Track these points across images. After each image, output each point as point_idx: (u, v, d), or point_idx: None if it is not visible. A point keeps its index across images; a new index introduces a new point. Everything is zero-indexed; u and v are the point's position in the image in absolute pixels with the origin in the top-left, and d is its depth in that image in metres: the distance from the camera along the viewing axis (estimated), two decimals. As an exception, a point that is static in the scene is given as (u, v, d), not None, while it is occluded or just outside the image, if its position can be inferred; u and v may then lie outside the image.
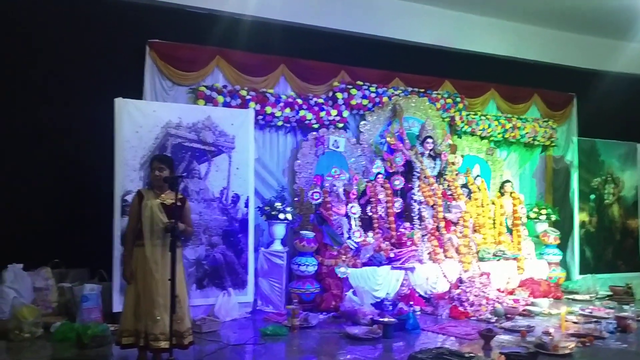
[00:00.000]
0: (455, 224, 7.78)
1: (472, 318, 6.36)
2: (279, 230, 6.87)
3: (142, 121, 6.04)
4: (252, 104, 7.02)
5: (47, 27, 6.35)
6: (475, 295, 6.63)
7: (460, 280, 7.00)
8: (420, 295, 6.95)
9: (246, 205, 6.56)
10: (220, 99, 6.90)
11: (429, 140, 7.89)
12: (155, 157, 4.49)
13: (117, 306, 5.58)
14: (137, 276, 4.14)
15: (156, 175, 4.27)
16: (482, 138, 8.84)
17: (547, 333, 5.34)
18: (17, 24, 6.26)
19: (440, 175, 8.01)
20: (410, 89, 8.36)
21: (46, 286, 6.11)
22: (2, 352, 4.95)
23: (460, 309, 6.50)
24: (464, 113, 8.67)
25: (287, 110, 7.32)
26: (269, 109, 7.18)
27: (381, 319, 5.73)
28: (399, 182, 7.69)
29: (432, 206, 7.65)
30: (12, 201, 6.27)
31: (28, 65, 6.33)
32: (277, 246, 6.87)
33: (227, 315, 6.13)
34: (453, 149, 8.26)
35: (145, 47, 6.72)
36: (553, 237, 8.30)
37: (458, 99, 8.69)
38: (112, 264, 5.80)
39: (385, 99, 8.07)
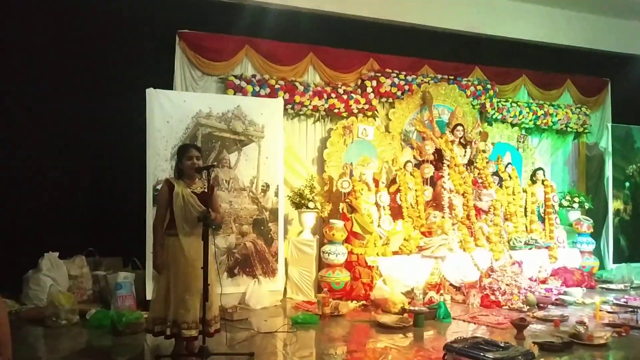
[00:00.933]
0: (486, 212, 7.70)
1: (504, 307, 6.28)
2: (309, 219, 6.89)
3: (172, 111, 6.09)
4: (281, 93, 7.03)
5: (79, 19, 6.43)
6: (507, 284, 6.55)
7: (491, 269, 6.92)
8: (450, 284, 6.91)
9: (276, 194, 6.58)
10: (250, 88, 6.91)
11: (459, 127, 7.83)
12: (192, 146, 4.45)
13: (150, 294, 5.66)
14: (169, 265, 4.18)
15: (193, 164, 4.25)
16: (513, 125, 8.74)
17: (581, 323, 5.26)
18: (49, 17, 6.34)
19: (470, 163, 7.93)
20: (439, 76, 8.28)
21: (81, 274, 6.26)
22: (40, 338, 5.08)
23: (492, 298, 6.43)
24: (494, 100, 8.57)
25: (316, 99, 7.32)
26: (297, 98, 7.18)
27: (412, 308, 5.72)
28: (428, 170, 7.62)
29: (462, 194, 7.57)
30: (47, 191, 6.41)
31: (61, 57, 6.41)
32: (306, 235, 6.89)
33: (257, 303, 6.18)
34: (484, 136, 8.15)
35: (175, 37, 6.76)
36: (586, 225, 8.16)
37: (488, 86, 8.57)
38: (144, 252, 5.87)
39: (414, 86, 8.00)
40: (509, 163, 8.28)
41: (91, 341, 5.01)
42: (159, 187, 5.74)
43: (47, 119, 6.40)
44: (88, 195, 6.62)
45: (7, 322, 2.54)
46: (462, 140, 7.89)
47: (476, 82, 8.51)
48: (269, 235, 6.53)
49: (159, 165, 5.99)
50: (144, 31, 6.61)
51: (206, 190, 4.19)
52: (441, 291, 6.68)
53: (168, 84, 6.62)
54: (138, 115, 5.98)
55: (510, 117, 8.64)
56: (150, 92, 6.01)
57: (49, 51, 6.37)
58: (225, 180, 6.35)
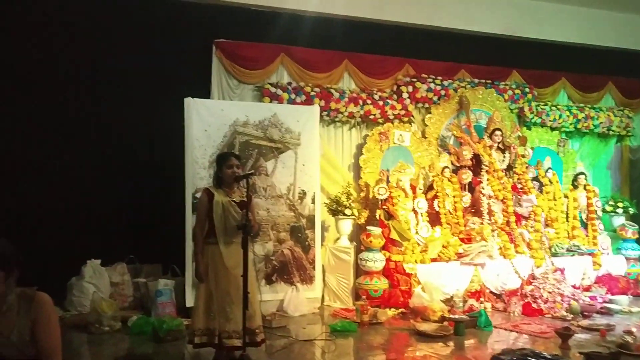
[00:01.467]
0: (527, 218, 7.53)
1: (546, 315, 6.13)
2: (346, 225, 6.86)
3: (210, 120, 6.15)
4: (316, 100, 7.05)
5: (119, 29, 6.53)
6: (549, 292, 6.40)
7: (532, 276, 6.77)
8: (491, 292, 6.78)
9: (313, 201, 6.58)
10: (285, 96, 6.95)
11: (498, 132, 7.71)
12: (232, 155, 4.48)
13: (190, 301, 5.70)
14: (210, 274, 4.19)
15: (233, 172, 4.27)
16: (552, 129, 8.57)
17: (629, 332, 5.07)
18: (89, 27, 6.46)
19: (509, 168, 7.78)
20: (476, 80, 8.20)
21: (122, 281, 6.35)
22: (83, 344, 5.16)
23: (534, 306, 6.28)
24: (533, 104, 8.43)
25: (352, 105, 7.32)
26: (333, 105, 7.19)
27: (452, 316, 5.63)
28: (466, 176, 7.51)
29: (501, 200, 7.43)
30: (89, 200, 6.53)
31: (100, 69, 6.55)
32: (343, 242, 6.87)
33: (296, 310, 6.18)
34: (522, 141, 8.00)
35: (212, 47, 6.85)
36: (631, 231, 7.90)
37: (527, 90, 8.43)
38: (184, 259, 5.94)
39: (451, 91, 7.93)
40: (549, 168, 8.10)
41: (133, 348, 5.08)
42: (197, 194, 5.81)
43: (88, 129, 6.55)
44: (129, 203, 6.73)
45: (59, 330, 2.59)
46: (500, 145, 7.76)
47: (514, 86, 8.39)
48: (306, 242, 6.53)
49: (197, 173, 6.05)
50: (181, 42, 6.67)
51: (245, 199, 4.21)
52: (481, 299, 6.56)
53: (205, 93, 6.70)
54: (176, 124, 6.04)
55: (550, 120, 8.48)
56: (189, 102, 6.08)
57: (89, 63, 6.52)
58: (263, 188, 6.38)
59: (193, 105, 6.10)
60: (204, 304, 4.19)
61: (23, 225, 6.15)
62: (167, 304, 5.82)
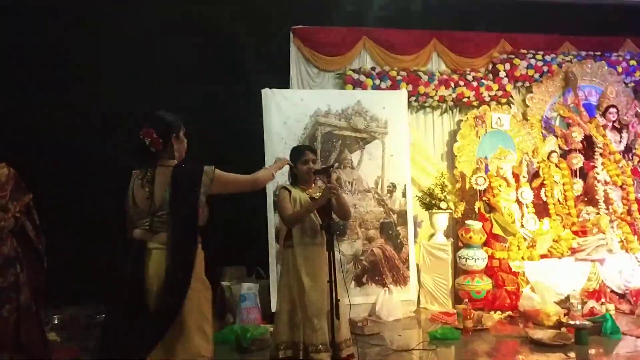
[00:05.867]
0: (652, 205, 6.66)
1: (684, 318, 5.30)
2: (441, 221, 6.32)
3: (290, 111, 5.83)
4: (403, 85, 6.59)
5: (190, 24, 6.29)
6: (685, 291, 5.54)
7: (662, 273, 5.93)
8: (612, 291, 6.01)
9: (404, 195, 6.09)
10: (369, 82, 6.53)
11: (612, 110, 6.96)
12: (306, 148, 4.03)
13: (275, 306, 5.37)
14: (291, 281, 3.77)
15: (310, 168, 3.83)
16: (677, 103, 7.56)
17: None
18: (162, 19, 6.26)
19: (628, 149, 7.00)
20: (583, 53, 7.44)
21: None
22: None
23: (667, 307, 5.46)
24: (652, 75, 7.48)
25: (442, 88, 6.80)
26: (422, 89, 6.71)
27: (571, 322, 4.92)
28: (577, 160, 6.79)
29: (620, 186, 6.67)
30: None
31: (175, 62, 6.32)
32: (439, 238, 6.33)
33: (389, 315, 5.70)
34: (642, 118, 7.13)
35: (289, 34, 6.55)
36: None
37: (644, 60, 7.52)
38: (267, 260, 5.67)
39: (554, 67, 7.23)
40: (676, 147, 7.15)
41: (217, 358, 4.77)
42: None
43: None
44: (209, 201, 6.50)
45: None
46: (616, 124, 7.02)
47: (628, 57, 7.54)
48: (398, 240, 6.03)
49: (279, 169, 5.72)
50: (256, 30, 6.38)
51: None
52: (602, 300, 5.78)
53: (284, 85, 6.38)
54: (254, 117, 5.75)
55: (673, 93, 7.51)
56: (266, 93, 5.80)
57: (162, 57, 6.31)
58: (348, 182, 5.96)
59: (271, 97, 5.81)
60: (286, 314, 3.75)
61: (107, 227, 6.05)
62: (252, 309, 5.52)
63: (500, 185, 6.42)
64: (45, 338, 3.61)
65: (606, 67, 7.34)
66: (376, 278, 5.92)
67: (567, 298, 5.64)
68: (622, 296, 5.98)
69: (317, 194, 3.77)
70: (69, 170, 6.20)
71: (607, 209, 6.53)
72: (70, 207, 5.93)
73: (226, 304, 5.83)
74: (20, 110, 5.90)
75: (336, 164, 5.80)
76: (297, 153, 3.91)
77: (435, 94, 6.78)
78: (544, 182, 6.64)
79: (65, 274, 5.47)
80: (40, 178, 4.87)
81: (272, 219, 5.64)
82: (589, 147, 6.87)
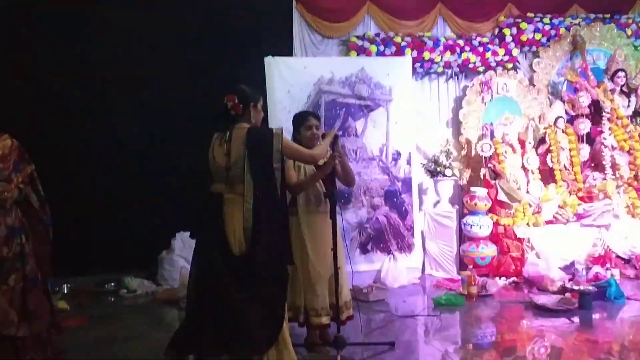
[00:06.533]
0: (659, 170, 6.58)
1: (689, 282, 5.30)
2: (446, 188, 6.30)
3: (293, 80, 5.76)
4: (408, 51, 6.48)
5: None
6: (691, 255, 5.52)
7: (669, 238, 5.89)
8: (618, 257, 5.98)
9: (408, 163, 6.05)
10: (374, 48, 6.43)
11: (620, 74, 6.76)
12: (310, 114, 4.00)
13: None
14: (294, 248, 3.78)
15: (313, 134, 3.79)
16: (688, 67, 7.39)
17: None
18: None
19: (636, 114, 6.85)
20: (592, 15, 7.23)
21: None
22: (174, 319, 4.99)
23: (672, 271, 5.45)
24: (663, 38, 7.29)
25: (448, 54, 6.67)
26: (427, 55, 6.59)
27: (575, 287, 4.93)
28: (584, 125, 6.66)
29: (627, 152, 6.55)
30: (175, 170, 6.34)
31: (175, 31, 6.29)
32: (444, 206, 6.32)
33: (394, 281, 5.72)
34: (651, 82, 6.97)
35: (292, 0, 6.44)
36: None
37: (655, 21, 7.31)
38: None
39: (562, 30, 7.04)
40: (685, 111, 7.01)
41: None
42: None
43: (167, 97, 6.30)
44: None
45: None
46: (624, 89, 6.82)
47: (638, 19, 7.31)
48: (403, 208, 6.02)
49: (282, 138, 5.69)
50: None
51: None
52: (607, 265, 5.78)
53: (287, 53, 6.29)
54: (257, 85, 5.67)
55: (685, 56, 7.33)
56: (269, 61, 5.72)
57: (166, 25, 6.26)
58: (353, 150, 5.92)
59: (274, 65, 5.74)
60: (290, 280, 3.79)
61: (114, 198, 6.15)
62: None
63: (505, 152, 6.36)
64: (53, 307, 3.65)
65: (615, 30, 7.13)
66: (381, 245, 5.93)
67: (572, 264, 5.66)
68: (627, 261, 5.95)
69: (322, 161, 3.75)
70: (76, 143, 6.24)
71: (614, 174, 6.45)
72: (77, 182, 6.01)
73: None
74: (25, 81, 5.94)
75: (340, 132, 5.75)
76: (300, 119, 3.89)
77: (441, 60, 6.66)
78: (551, 147, 6.54)
79: (76, 245, 5.56)
80: (46, 150, 4.92)
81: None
82: (596, 112, 6.72)
